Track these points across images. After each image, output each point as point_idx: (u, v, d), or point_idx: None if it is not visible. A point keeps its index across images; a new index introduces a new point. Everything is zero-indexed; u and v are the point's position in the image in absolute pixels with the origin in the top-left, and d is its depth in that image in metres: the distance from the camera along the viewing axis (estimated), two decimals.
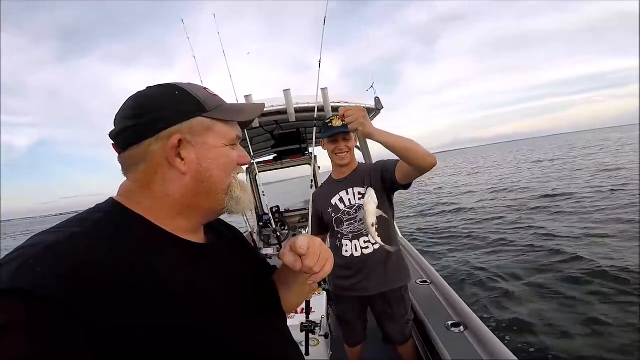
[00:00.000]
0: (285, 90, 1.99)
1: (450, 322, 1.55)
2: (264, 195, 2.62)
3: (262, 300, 0.63)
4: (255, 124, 2.16)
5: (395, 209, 1.69)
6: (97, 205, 0.51)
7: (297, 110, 2.07)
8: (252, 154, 2.37)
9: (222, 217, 0.64)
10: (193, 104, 0.52)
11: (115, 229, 0.46)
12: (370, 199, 1.06)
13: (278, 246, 2.61)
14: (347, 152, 1.59)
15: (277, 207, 3.80)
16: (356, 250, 1.57)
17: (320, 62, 1.87)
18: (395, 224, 1.79)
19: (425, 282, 2.08)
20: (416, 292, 1.94)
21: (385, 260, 1.56)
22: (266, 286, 0.69)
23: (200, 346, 0.44)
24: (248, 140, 2.34)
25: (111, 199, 0.52)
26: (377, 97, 1.17)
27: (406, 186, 1.44)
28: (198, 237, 0.57)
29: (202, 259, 0.54)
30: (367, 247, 1.56)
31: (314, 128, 1.95)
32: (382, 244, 1.27)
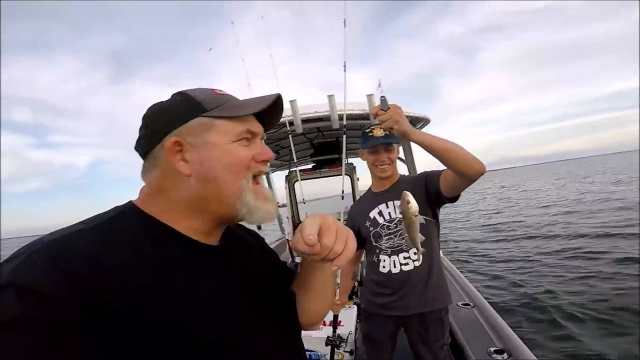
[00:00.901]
0: (329, 96, 1.91)
1: (492, 349, 1.43)
2: (304, 203, 2.59)
3: (275, 307, 0.61)
4: (299, 130, 2.10)
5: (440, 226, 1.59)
6: (115, 206, 0.53)
7: (341, 118, 2.02)
8: (295, 160, 2.36)
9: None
10: (192, 105, 0.52)
11: (125, 227, 0.47)
12: (409, 196, 1.03)
13: None
14: (390, 164, 1.52)
15: None
16: (395, 267, 1.48)
17: (345, 66, 1.76)
18: (438, 241, 1.68)
19: (467, 305, 1.94)
20: (457, 315, 1.81)
21: (426, 279, 1.46)
22: (282, 294, 0.66)
23: (200, 341, 0.44)
24: (292, 145, 2.27)
25: (130, 201, 0.54)
26: (383, 97, 1.10)
27: (453, 199, 1.34)
28: (212, 240, 0.56)
29: (211, 261, 0.54)
30: (406, 264, 1.47)
31: (344, 136, 1.89)
32: (420, 247, 1.20)
